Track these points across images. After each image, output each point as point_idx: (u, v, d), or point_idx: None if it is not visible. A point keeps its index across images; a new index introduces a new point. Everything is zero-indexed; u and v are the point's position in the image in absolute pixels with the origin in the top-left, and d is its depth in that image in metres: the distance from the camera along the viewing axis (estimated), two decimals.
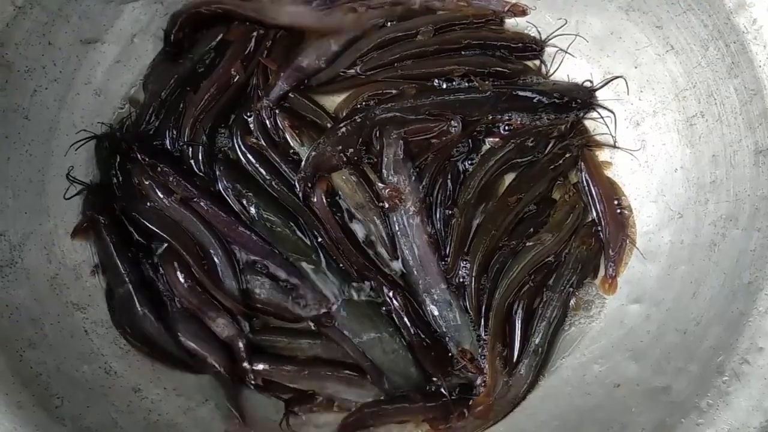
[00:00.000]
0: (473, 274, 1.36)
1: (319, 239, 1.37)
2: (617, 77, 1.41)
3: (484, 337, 1.34)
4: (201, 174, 1.40)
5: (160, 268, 1.37)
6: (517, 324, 1.37)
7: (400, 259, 1.38)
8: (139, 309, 1.33)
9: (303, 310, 1.35)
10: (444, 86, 1.43)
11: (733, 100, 1.22)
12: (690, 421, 1.11)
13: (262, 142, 1.41)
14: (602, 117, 1.44)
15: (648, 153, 1.40)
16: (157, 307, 1.35)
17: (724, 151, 1.25)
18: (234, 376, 1.33)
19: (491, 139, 1.44)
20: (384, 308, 1.35)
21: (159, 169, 1.37)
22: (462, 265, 1.37)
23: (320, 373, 1.34)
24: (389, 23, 1.47)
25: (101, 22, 1.36)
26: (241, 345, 1.34)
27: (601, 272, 1.41)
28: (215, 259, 1.37)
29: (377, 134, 1.39)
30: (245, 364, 1.33)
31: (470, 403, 1.33)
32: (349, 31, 1.45)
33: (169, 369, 1.34)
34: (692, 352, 1.19)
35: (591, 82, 1.44)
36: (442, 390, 1.33)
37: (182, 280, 1.35)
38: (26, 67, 1.27)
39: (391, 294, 1.34)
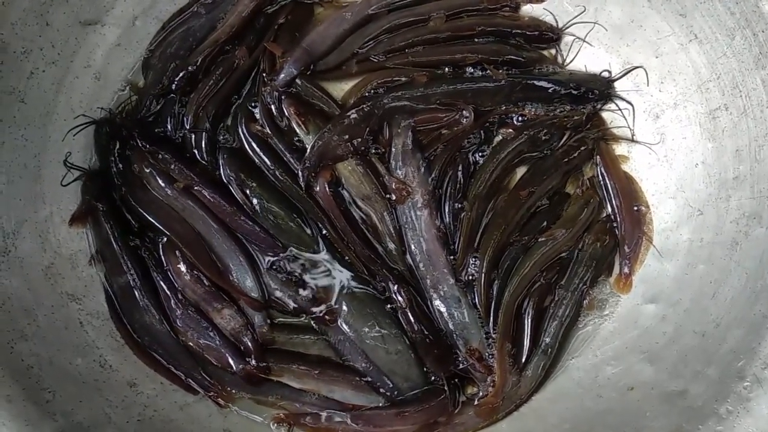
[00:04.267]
0: (483, 270, 1.32)
1: (324, 231, 1.34)
2: (637, 67, 1.37)
3: (493, 336, 1.31)
4: (204, 162, 1.37)
5: (163, 258, 1.34)
6: (527, 322, 1.33)
7: (407, 254, 1.34)
8: (141, 300, 1.31)
9: (304, 306, 1.32)
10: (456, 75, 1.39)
11: (759, 92, 1.18)
12: (708, 427, 1.08)
13: (267, 129, 1.37)
14: (620, 109, 1.40)
15: (667, 147, 1.35)
16: (159, 299, 1.32)
17: (748, 145, 1.20)
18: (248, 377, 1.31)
19: (504, 131, 1.40)
20: (389, 305, 1.31)
21: (160, 156, 1.34)
22: (471, 260, 1.33)
23: (331, 376, 1.31)
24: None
25: (101, 3, 1.32)
26: (247, 340, 1.31)
27: (616, 270, 1.38)
28: (220, 251, 1.34)
29: (386, 124, 1.36)
30: (253, 361, 1.30)
31: (476, 402, 1.30)
32: (358, 12, 1.40)
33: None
34: (711, 355, 1.16)
35: (609, 72, 1.40)
36: (442, 386, 1.30)
37: (185, 270, 1.32)
38: (23, 48, 1.23)
39: (396, 288, 1.30)
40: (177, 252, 1.33)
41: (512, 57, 1.40)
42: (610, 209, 1.38)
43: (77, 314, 1.27)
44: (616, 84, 1.39)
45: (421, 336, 1.30)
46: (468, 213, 1.34)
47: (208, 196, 1.33)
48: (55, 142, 1.30)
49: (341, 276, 1.34)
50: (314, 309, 1.32)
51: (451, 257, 1.33)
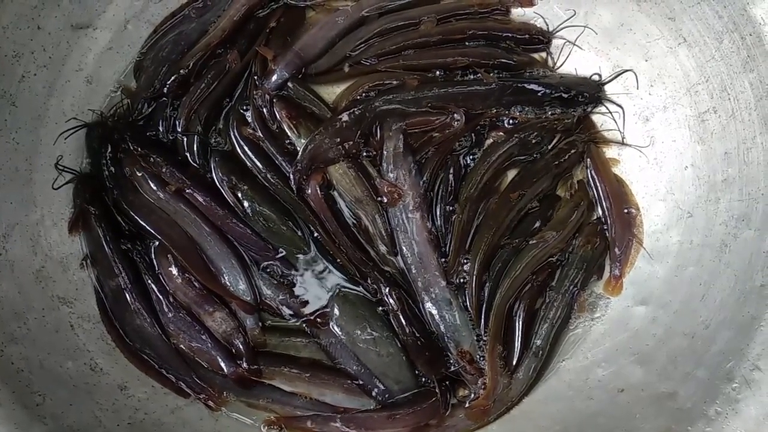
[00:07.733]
0: (474, 273, 1.32)
1: (315, 234, 1.34)
2: (626, 71, 1.37)
3: (484, 338, 1.30)
4: (195, 165, 1.37)
5: (154, 261, 1.34)
6: (517, 325, 1.33)
7: (399, 256, 1.34)
8: (132, 303, 1.30)
9: (296, 308, 1.32)
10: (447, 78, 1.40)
11: (747, 95, 1.18)
12: (697, 429, 1.08)
13: (259, 132, 1.37)
14: (610, 112, 1.40)
15: (657, 150, 1.35)
16: (150, 302, 1.31)
17: (737, 148, 1.21)
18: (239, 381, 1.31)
19: (495, 134, 1.39)
20: (380, 308, 1.31)
21: (152, 159, 1.33)
22: (463, 263, 1.33)
23: (322, 379, 1.31)
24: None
25: (93, 7, 1.32)
26: (239, 342, 1.30)
27: (606, 272, 1.38)
28: (211, 254, 1.33)
29: (377, 127, 1.36)
30: (244, 364, 1.30)
31: (467, 404, 1.30)
32: (350, 15, 1.40)
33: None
34: (700, 357, 1.16)
35: (599, 75, 1.40)
36: (433, 388, 1.29)
37: (177, 273, 1.32)
38: (14, 51, 1.23)
39: (387, 291, 1.30)
40: (168, 255, 1.32)
41: (503, 60, 1.39)
42: (600, 212, 1.38)
43: (68, 317, 1.27)
44: (606, 87, 1.39)
45: (412, 338, 1.29)
46: (459, 215, 1.34)
47: (200, 199, 1.33)
48: (46, 146, 1.30)
49: (333, 278, 1.34)
50: (306, 311, 1.32)
51: (443, 260, 1.33)
